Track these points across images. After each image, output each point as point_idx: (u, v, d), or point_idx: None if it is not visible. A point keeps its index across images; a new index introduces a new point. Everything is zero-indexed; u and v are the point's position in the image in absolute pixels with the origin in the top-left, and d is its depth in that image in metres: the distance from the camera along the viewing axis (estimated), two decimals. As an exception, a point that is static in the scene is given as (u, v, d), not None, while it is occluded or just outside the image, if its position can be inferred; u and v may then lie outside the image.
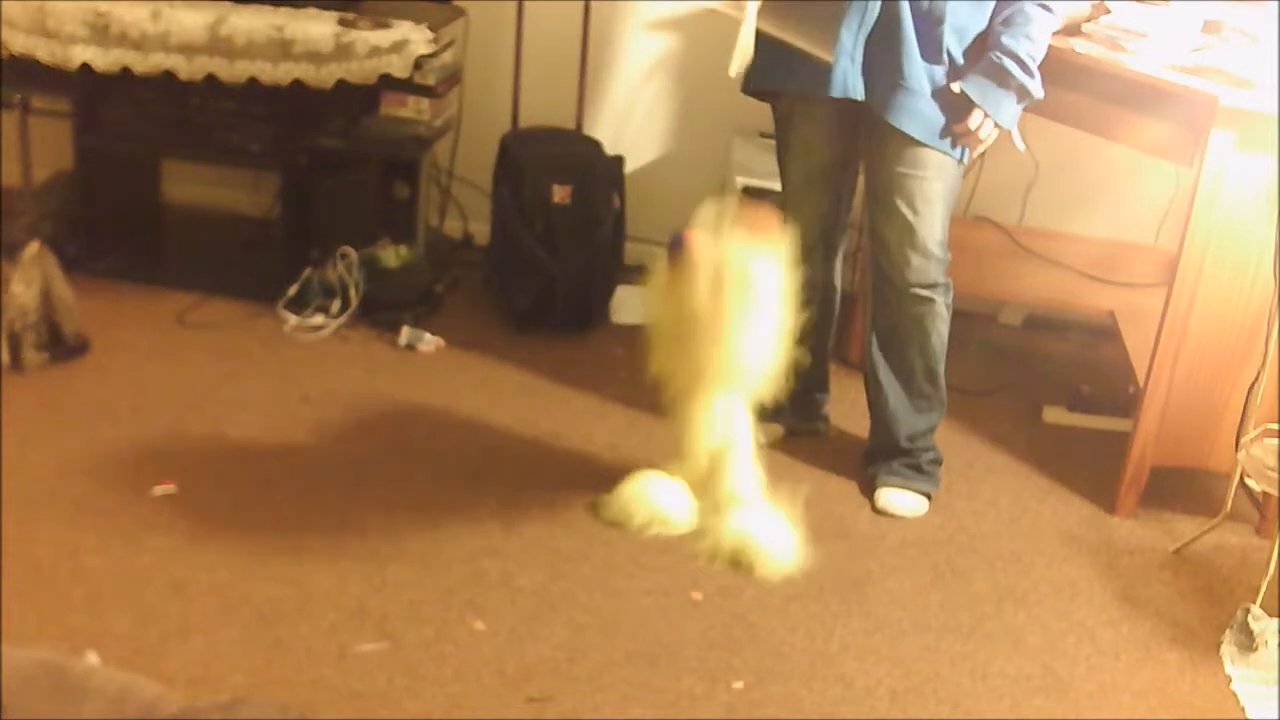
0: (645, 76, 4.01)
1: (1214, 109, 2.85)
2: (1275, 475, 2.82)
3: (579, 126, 3.98)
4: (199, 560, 2.65)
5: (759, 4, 2.74)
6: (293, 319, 3.57)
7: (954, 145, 2.87)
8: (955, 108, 2.82)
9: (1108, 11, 3.16)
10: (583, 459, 3.14)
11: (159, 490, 2.85)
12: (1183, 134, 2.96)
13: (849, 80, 2.80)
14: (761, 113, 3.18)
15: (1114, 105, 3.09)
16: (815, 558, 2.86)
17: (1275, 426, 2.88)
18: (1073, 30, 3.15)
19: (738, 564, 2.79)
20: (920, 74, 2.79)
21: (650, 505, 2.87)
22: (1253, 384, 2.96)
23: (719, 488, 2.87)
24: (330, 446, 3.09)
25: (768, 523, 2.85)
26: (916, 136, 2.82)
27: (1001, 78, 2.78)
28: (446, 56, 3.72)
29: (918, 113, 2.81)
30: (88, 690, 1.60)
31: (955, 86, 2.79)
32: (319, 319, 3.58)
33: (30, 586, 2.52)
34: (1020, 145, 2.92)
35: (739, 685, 2.48)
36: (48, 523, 2.71)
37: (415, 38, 3.49)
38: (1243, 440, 2.93)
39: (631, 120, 4.05)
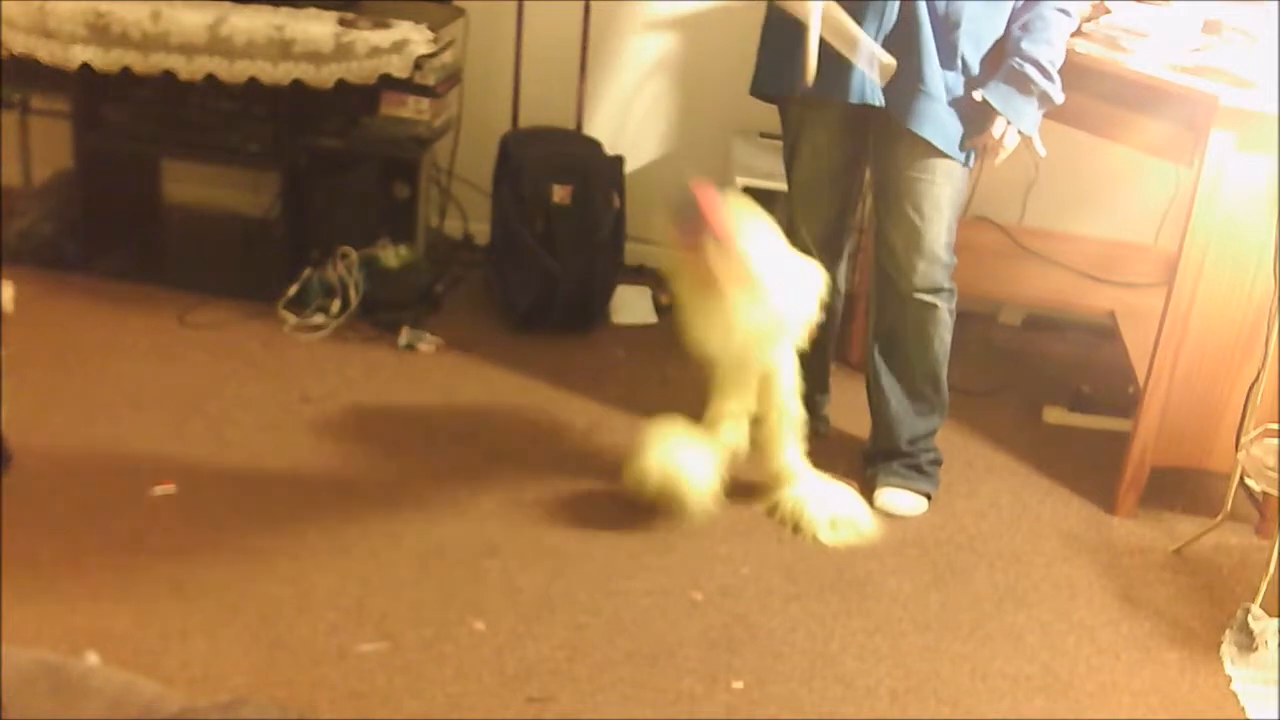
0: (645, 76, 4.01)
1: (1214, 109, 2.84)
2: (1275, 475, 2.82)
3: (579, 126, 3.98)
4: (199, 560, 2.65)
5: (823, 7, 2.67)
6: (293, 319, 3.57)
7: (977, 155, 2.86)
8: (973, 115, 2.81)
9: (1108, 11, 3.16)
10: (583, 459, 3.14)
11: (159, 490, 2.85)
12: (1183, 134, 2.96)
13: (867, 85, 2.78)
14: (761, 113, 3.18)
15: (1114, 105, 3.09)
16: (815, 558, 2.87)
17: (1275, 426, 2.88)
18: (1073, 30, 3.15)
19: (807, 531, 2.92)
20: (938, 79, 2.77)
21: (672, 471, 2.87)
22: (1253, 384, 2.96)
23: (773, 461, 2.96)
24: (330, 446, 3.09)
25: (832, 492, 2.98)
26: (937, 144, 2.81)
27: (1022, 84, 2.77)
28: (446, 56, 3.72)
29: (937, 119, 2.79)
30: (88, 690, 1.60)
31: (977, 94, 2.78)
32: (319, 319, 3.58)
33: (30, 586, 2.52)
34: (1041, 151, 2.90)
35: (739, 685, 2.48)
36: (48, 523, 2.71)
37: (415, 38, 3.49)
38: (1243, 440, 2.93)
39: (631, 120, 4.05)
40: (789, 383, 2.89)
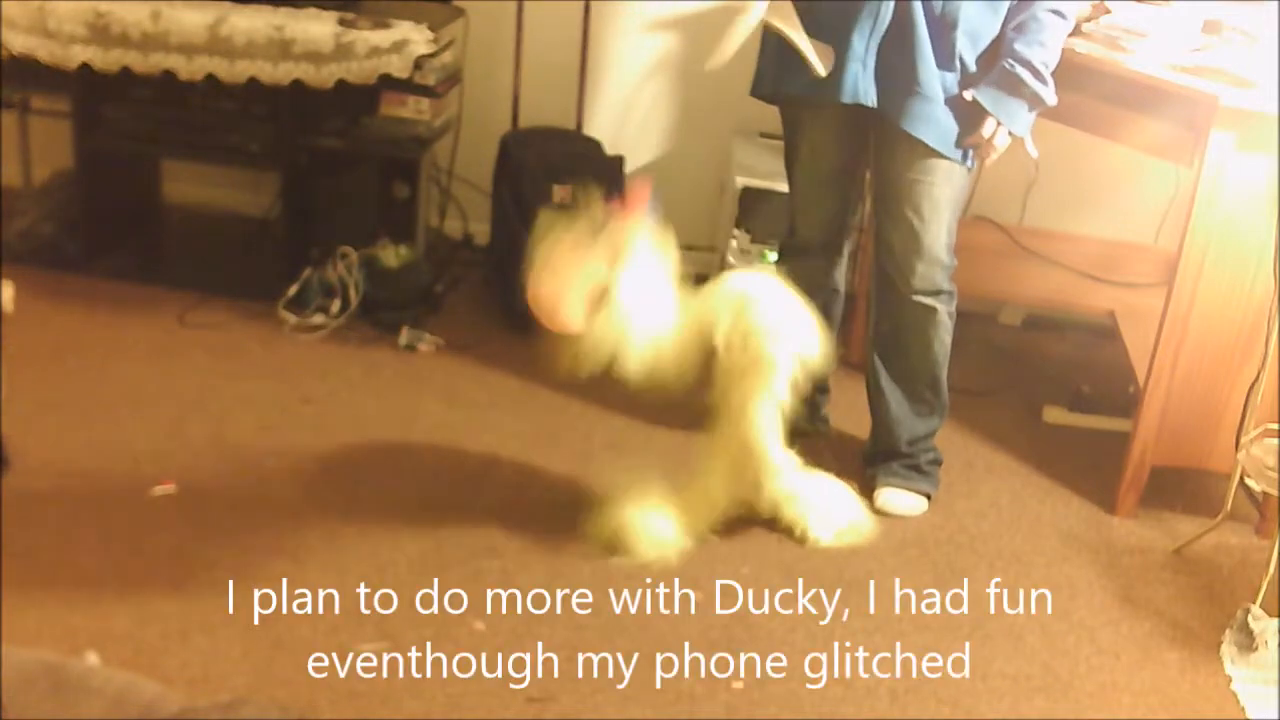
0: (645, 76, 4.01)
1: (1214, 109, 2.85)
2: (1275, 475, 2.82)
3: (579, 126, 3.98)
4: (199, 560, 2.65)
5: (765, 5, 2.70)
6: (293, 319, 3.57)
7: (968, 154, 2.86)
8: (968, 115, 2.81)
9: (1108, 11, 3.16)
10: (582, 459, 3.14)
11: (159, 490, 2.85)
12: (1183, 134, 2.96)
13: (860, 85, 2.78)
14: (761, 113, 3.18)
15: (1114, 105, 3.09)
16: (815, 558, 2.87)
17: (1275, 426, 2.88)
18: (1073, 30, 3.15)
19: (807, 536, 2.89)
20: (934, 80, 2.77)
21: (636, 532, 2.81)
22: (1253, 384, 2.96)
23: (756, 468, 2.86)
24: (330, 446, 3.09)
25: (831, 494, 2.95)
26: (931, 144, 2.81)
27: (1015, 86, 2.77)
28: (446, 56, 3.72)
29: (932, 119, 2.79)
30: (88, 690, 1.60)
31: (968, 95, 2.78)
32: (319, 319, 3.58)
33: (30, 586, 2.52)
34: (1034, 153, 2.91)
35: (739, 685, 2.48)
36: (48, 523, 2.71)
37: (415, 38, 3.49)
38: (1243, 440, 2.93)
39: (631, 120, 4.05)
40: (764, 432, 2.80)
